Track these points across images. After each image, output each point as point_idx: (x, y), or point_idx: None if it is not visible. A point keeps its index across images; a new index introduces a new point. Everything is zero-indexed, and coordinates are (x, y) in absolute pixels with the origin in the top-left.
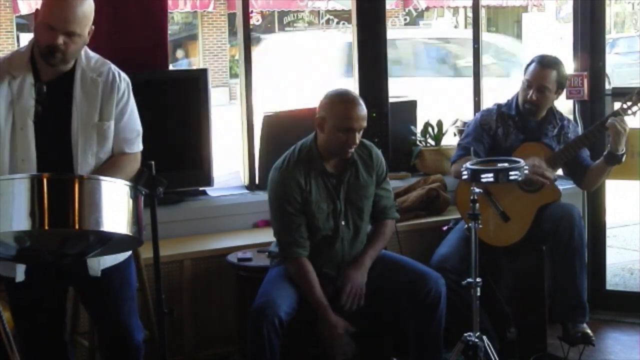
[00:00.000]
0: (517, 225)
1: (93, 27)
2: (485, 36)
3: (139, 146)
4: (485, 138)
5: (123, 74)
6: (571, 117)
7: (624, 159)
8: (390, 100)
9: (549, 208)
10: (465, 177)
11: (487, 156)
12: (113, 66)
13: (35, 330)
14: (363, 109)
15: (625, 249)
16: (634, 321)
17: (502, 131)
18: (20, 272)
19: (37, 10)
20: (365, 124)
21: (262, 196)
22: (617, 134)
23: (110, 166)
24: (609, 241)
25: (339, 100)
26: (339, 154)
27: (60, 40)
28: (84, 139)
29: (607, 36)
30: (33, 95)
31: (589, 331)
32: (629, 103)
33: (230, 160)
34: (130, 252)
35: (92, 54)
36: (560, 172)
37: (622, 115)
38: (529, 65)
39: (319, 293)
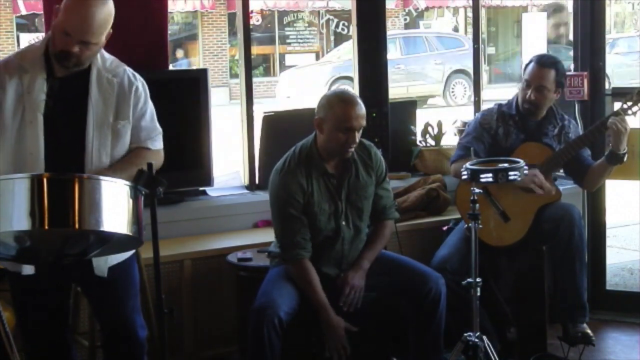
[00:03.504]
0: (518, 225)
1: (111, 30)
2: None
3: (160, 143)
4: (485, 137)
5: (138, 75)
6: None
7: (625, 158)
8: (390, 100)
9: (549, 208)
10: (465, 177)
11: (487, 156)
12: (128, 68)
13: (38, 329)
14: (362, 108)
15: (625, 249)
16: (634, 321)
17: (502, 131)
18: (27, 266)
19: (57, 9)
20: (364, 122)
21: (262, 196)
22: (618, 134)
23: (134, 156)
24: (609, 241)
25: (337, 100)
26: (339, 154)
27: (76, 48)
28: (99, 139)
29: (607, 36)
30: (44, 90)
31: (589, 331)
32: (630, 103)
33: (230, 160)
34: (133, 250)
35: (107, 55)
36: (560, 172)
37: (622, 115)
38: (527, 64)
39: (320, 294)
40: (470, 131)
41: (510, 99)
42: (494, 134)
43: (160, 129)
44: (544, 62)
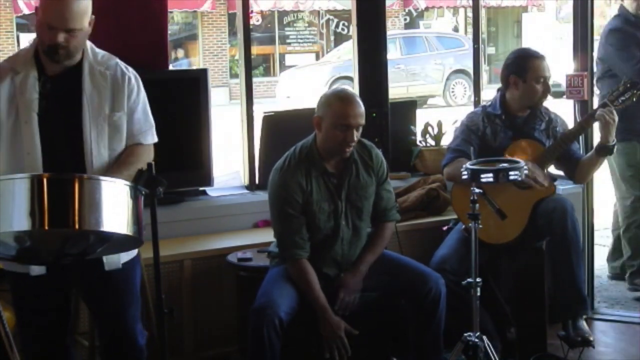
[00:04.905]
0: (514, 222)
1: (93, 16)
2: None
3: (153, 138)
4: (474, 139)
5: (130, 68)
6: (571, 116)
7: (614, 149)
8: (390, 100)
9: (543, 203)
10: (465, 177)
11: (477, 157)
12: (120, 61)
13: (37, 332)
14: (360, 106)
15: None
16: (633, 321)
17: (490, 131)
18: (36, 266)
19: (36, 8)
20: (363, 121)
21: (262, 196)
22: (607, 125)
23: (128, 155)
24: (608, 241)
25: (335, 98)
26: (338, 153)
27: (61, 38)
28: (96, 132)
29: None
30: (37, 89)
31: (589, 337)
32: (615, 95)
33: (230, 160)
34: (135, 253)
35: (98, 49)
36: (553, 169)
37: (610, 106)
38: (523, 62)
39: (319, 294)
40: (459, 135)
41: (493, 99)
42: (481, 135)
43: (152, 122)
44: (541, 55)
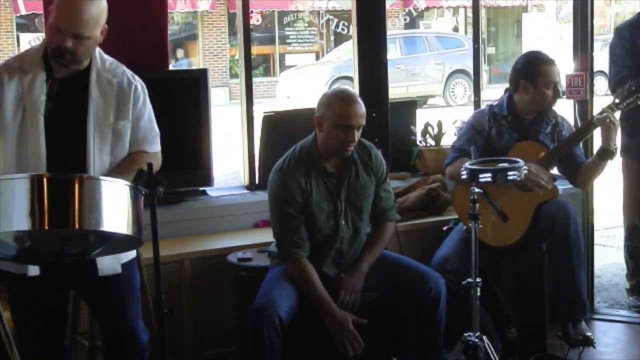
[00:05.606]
0: (516, 225)
1: (106, 26)
2: None
3: (157, 146)
4: (478, 139)
5: (137, 77)
6: (571, 116)
7: (617, 153)
8: (390, 100)
9: (545, 206)
10: (464, 176)
11: (481, 157)
12: (127, 69)
13: (34, 333)
14: (361, 107)
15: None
16: (633, 321)
17: (495, 131)
18: (33, 266)
19: (50, 9)
20: (363, 122)
21: (262, 196)
22: (608, 129)
23: (130, 162)
24: (608, 241)
25: (336, 99)
26: (338, 153)
27: (69, 43)
28: (100, 138)
29: (608, 36)
30: (44, 91)
31: (589, 334)
32: (620, 99)
33: (230, 160)
34: (135, 255)
35: (106, 56)
36: (555, 170)
37: (612, 110)
38: (534, 67)
39: (321, 290)
40: (463, 134)
41: (500, 100)
42: (486, 135)
43: (157, 131)
44: (552, 60)
